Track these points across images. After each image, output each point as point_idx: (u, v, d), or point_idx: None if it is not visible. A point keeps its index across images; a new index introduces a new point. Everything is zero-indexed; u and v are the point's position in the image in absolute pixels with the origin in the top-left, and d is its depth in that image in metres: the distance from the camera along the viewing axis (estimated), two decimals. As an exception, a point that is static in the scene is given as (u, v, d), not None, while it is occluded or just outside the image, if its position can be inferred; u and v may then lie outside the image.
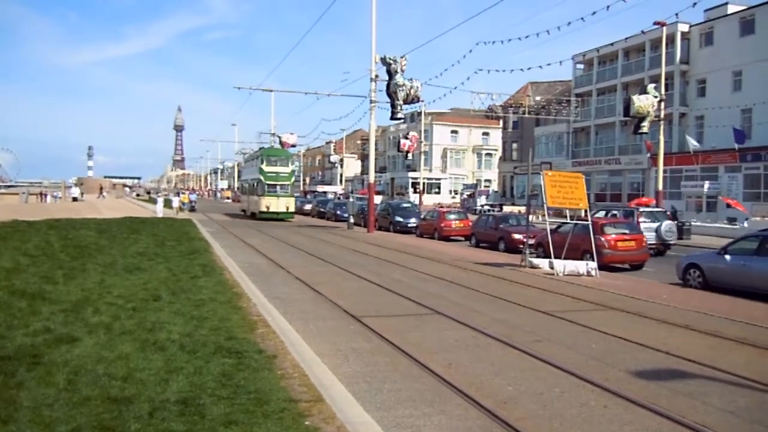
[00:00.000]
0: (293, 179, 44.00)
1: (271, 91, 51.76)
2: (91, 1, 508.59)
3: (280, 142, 58.75)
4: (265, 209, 40.67)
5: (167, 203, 50.11)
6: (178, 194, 70.47)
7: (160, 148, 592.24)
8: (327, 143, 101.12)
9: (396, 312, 11.07)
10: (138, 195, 73.57)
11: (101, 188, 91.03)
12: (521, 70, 62.07)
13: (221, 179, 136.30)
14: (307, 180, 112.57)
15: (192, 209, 52.22)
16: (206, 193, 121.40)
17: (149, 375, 6.13)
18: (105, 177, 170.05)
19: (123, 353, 6.84)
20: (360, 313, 10.40)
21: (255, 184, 43.35)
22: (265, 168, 41.27)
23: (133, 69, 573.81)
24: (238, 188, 58.79)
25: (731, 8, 43.73)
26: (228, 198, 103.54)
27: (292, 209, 42.35)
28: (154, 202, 55.54)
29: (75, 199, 64.95)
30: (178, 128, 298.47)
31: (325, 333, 9.06)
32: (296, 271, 15.65)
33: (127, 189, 60.07)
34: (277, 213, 40.94)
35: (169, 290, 11.06)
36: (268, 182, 40.92)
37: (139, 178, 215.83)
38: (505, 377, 7.08)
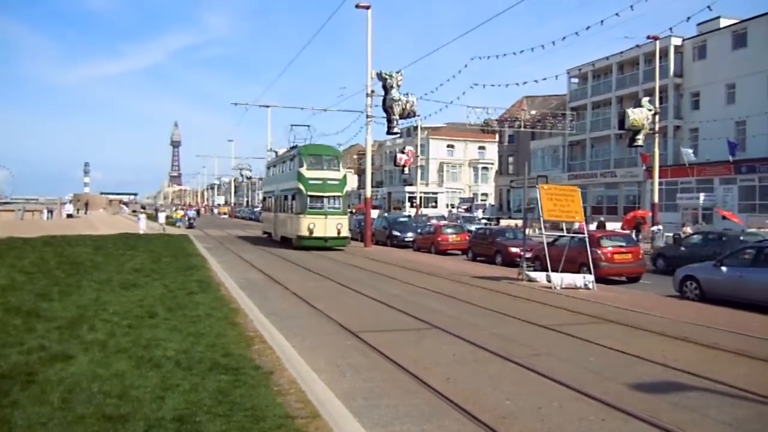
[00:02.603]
0: (345, 188, 30.47)
1: (267, 106, 52.22)
2: (89, 19, 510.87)
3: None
4: (306, 233, 28.09)
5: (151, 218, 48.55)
6: (157, 209, 69.49)
7: (157, 164, 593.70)
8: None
9: (393, 327, 11.03)
10: (134, 211, 73.39)
11: (86, 204, 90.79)
12: (516, 84, 62.18)
13: (218, 195, 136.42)
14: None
15: (190, 226, 49.10)
16: (203, 208, 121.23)
17: (145, 392, 6.08)
18: (101, 193, 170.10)
19: (118, 371, 6.79)
20: (357, 329, 10.36)
21: (289, 196, 30.86)
22: (307, 173, 28.92)
23: (131, 85, 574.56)
24: (261, 202, 42.76)
25: (723, 22, 44.07)
26: (225, 214, 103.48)
27: (345, 232, 29.44)
28: (154, 218, 54.56)
29: (70, 216, 64.89)
30: (175, 144, 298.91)
31: (322, 348, 9.01)
32: (293, 287, 15.60)
33: (124, 206, 60.09)
34: (325, 239, 28.30)
35: (165, 307, 11.00)
36: (310, 193, 28.50)
37: (135, 194, 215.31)
38: (503, 391, 7.04)
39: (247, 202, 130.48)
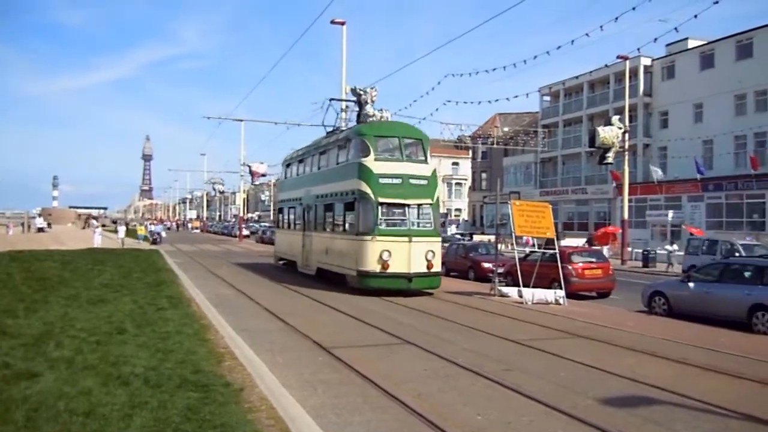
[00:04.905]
0: (437, 192, 18.91)
1: (241, 120, 51.98)
2: (59, 32, 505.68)
3: (251, 172, 58.53)
4: (376, 267, 17.48)
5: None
6: (116, 222, 67.84)
7: (128, 178, 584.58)
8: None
9: (366, 342, 11.01)
10: (104, 225, 72.42)
11: (49, 216, 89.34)
12: (489, 101, 63.33)
13: (190, 209, 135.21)
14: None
15: (155, 242, 44.76)
16: (174, 223, 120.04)
17: (112, 410, 5.98)
18: (70, 207, 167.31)
19: (85, 388, 6.67)
20: (329, 344, 10.31)
21: (339, 205, 20.04)
22: (375, 166, 18.19)
23: (102, 98, 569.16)
24: (277, 214, 33.54)
25: (691, 43, 45.09)
26: (197, 228, 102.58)
27: (437, 266, 18.26)
28: (134, 235, 52.65)
29: (41, 230, 63.84)
30: (147, 158, 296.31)
31: (294, 365, 8.96)
32: (265, 302, 15.49)
33: (94, 221, 59.22)
34: (408, 276, 17.43)
35: (134, 323, 10.85)
36: (383, 200, 17.81)
37: (105, 209, 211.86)
38: (474, 406, 7.07)
39: (220, 216, 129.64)
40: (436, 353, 9.86)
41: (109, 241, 42.44)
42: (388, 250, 17.35)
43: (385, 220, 17.77)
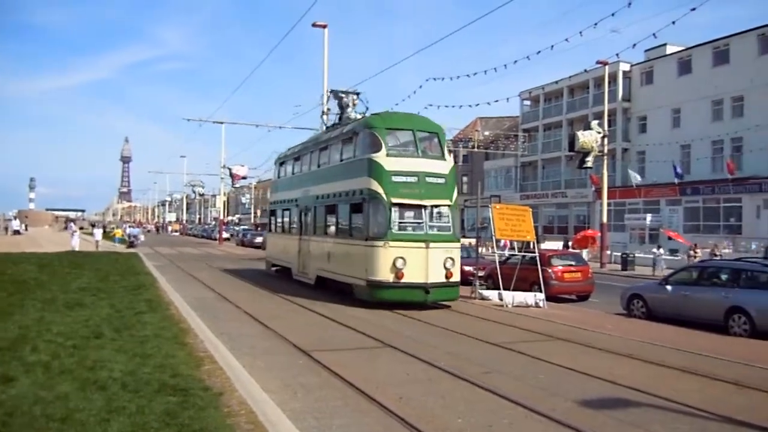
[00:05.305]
0: (455, 192, 17.00)
1: (221, 123, 51.75)
2: (38, 33, 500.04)
3: (231, 175, 58.22)
4: (389, 276, 15.55)
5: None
6: (94, 225, 67.03)
7: (106, 180, 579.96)
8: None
9: (347, 346, 10.99)
10: (82, 228, 71.57)
11: (26, 218, 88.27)
12: (470, 105, 63.53)
13: (169, 212, 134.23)
14: (259, 212, 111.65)
15: (131, 245, 43.51)
16: (153, 226, 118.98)
17: (89, 415, 5.91)
18: (47, 209, 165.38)
19: (62, 393, 6.58)
20: (310, 348, 10.28)
21: (344, 207, 17.82)
22: (388, 163, 16.28)
23: (81, 100, 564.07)
24: (269, 216, 28.42)
25: (670, 49, 45.70)
26: (176, 231, 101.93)
27: (456, 275, 16.33)
28: (111, 237, 52.10)
29: (17, 232, 63.00)
30: (125, 160, 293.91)
31: (274, 368, 8.91)
32: (245, 305, 15.40)
33: (72, 224, 58.46)
34: (425, 287, 15.51)
35: (111, 327, 10.73)
36: (396, 200, 15.97)
37: (83, 211, 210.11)
38: (455, 410, 7.08)
39: (200, 219, 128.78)
40: (417, 356, 9.86)
41: (87, 244, 41.96)
42: (402, 258, 15.40)
43: (398, 223, 15.89)
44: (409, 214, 16.06)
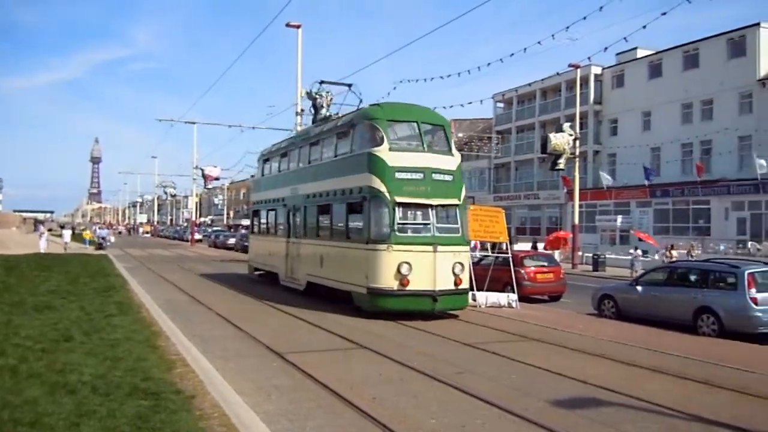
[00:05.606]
0: (463, 190, 15.75)
1: (193, 123, 51.34)
2: (8, 31, 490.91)
3: (203, 176, 57.69)
4: (393, 284, 14.09)
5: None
6: (62, 227, 66.03)
7: (76, 181, 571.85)
8: (252, 176, 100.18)
9: (321, 347, 10.96)
10: (50, 230, 70.32)
11: None
12: (444, 107, 63.36)
13: (140, 213, 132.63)
14: (231, 213, 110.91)
15: (100, 246, 42.44)
16: (123, 228, 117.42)
17: (59, 420, 5.82)
18: (15, 211, 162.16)
19: (30, 397, 6.48)
20: (284, 350, 10.23)
21: (340, 206, 16.53)
22: (391, 158, 14.82)
23: (50, 100, 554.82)
24: (251, 217, 26.21)
25: (640, 52, 46.39)
26: (148, 233, 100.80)
27: (466, 282, 15.02)
28: (80, 239, 51.19)
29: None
30: (95, 160, 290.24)
31: (247, 371, 8.85)
32: (218, 308, 15.27)
33: (41, 226, 57.25)
34: (433, 295, 14.07)
35: (81, 330, 10.58)
36: (401, 199, 14.55)
37: (52, 212, 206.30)
38: (429, 410, 7.10)
39: (171, 220, 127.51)
40: (391, 357, 9.88)
41: (57, 246, 41.29)
42: (407, 263, 14.01)
43: (403, 224, 14.49)
44: (415, 214, 14.84)
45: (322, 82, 21.77)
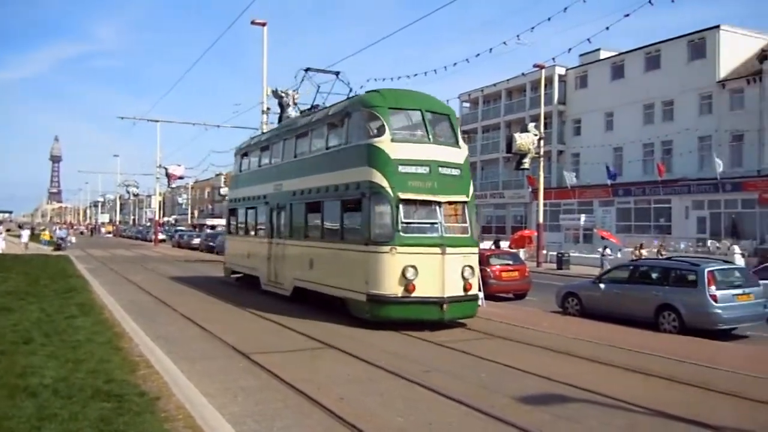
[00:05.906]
0: (471, 185, 14.41)
1: (156, 121, 50.47)
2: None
3: (167, 175, 56.85)
4: (397, 290, 12.55)
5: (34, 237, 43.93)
6: (21, 227, 64.66)
7: (35, 180, 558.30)
8: (217, 175, 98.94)
9: (288, 347, 10.90)
10: (9, 230, 68.66)
11: None
12: (411, 106, 63.53)
13: (102, 213, 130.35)
14: (196, 213, 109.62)
15: (59, 247, 41.68)
16: (86, 227, 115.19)
17: (19, 423, 5.70)
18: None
19: (-12, 401, 6.32)
20: (250, 350, 10.15)
21: (334, 204, 14.82)
22: (393, 149, 13.28)
23: (8, 97, 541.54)
24: (228, 216, 24.54)
25: (603, 54, 47.13)
26: (109, 233, 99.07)
27: (475, 287, 13.72)
28: (38, 239, 50.23)
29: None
30: (55, 159, 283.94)
31: (213, 372, 8.76)
32: (183, 309, 15.07)
33: (-1, 227, 55.80)
34: (440, 302, 12.54)
35: (41, 332, 10.37)
36: (404, 195, 12.97)
37: (10, 212, 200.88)
38: (396, 409, 7.11)
39: (134, 220, 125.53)
40: (357, 356, 9.88)
41: (15, 247, 40.38)
42: (413, 266, 12.53)
43: (408, 224, 13.00)
44: (421, 212, 13.25)
45: (307, 70, 20.31)
